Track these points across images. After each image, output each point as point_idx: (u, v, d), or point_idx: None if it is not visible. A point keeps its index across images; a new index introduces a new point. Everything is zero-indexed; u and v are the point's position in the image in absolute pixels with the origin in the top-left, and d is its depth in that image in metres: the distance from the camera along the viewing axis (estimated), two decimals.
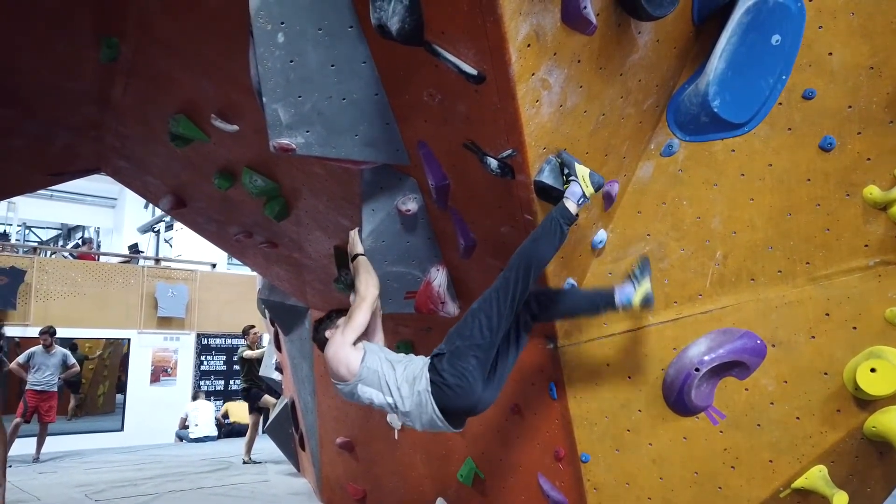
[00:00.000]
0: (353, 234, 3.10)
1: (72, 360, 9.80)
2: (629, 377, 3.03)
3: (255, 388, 9.09)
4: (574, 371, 3.17)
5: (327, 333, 2.93)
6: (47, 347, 9.42)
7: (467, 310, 2.69)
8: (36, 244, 19.54)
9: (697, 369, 2.79)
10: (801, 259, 2.69)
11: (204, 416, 12.38)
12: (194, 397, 13.03)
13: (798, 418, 2.68)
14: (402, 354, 2.91)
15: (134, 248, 16.16)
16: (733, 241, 2.79)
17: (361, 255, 3.03)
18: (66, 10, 3.56)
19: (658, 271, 2.94)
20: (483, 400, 2.69)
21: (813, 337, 2.66)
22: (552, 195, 2.55)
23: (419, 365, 2.72)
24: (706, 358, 2.79)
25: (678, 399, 2.87)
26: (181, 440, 12.37)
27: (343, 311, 3.00)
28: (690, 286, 2.90)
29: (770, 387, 2.74)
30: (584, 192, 2.52)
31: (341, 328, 2.83)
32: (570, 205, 2.52)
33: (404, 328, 4.26)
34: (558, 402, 3.23)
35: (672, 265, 2.92)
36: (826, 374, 2.62)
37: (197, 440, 12.02)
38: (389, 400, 2.71)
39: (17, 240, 18.78)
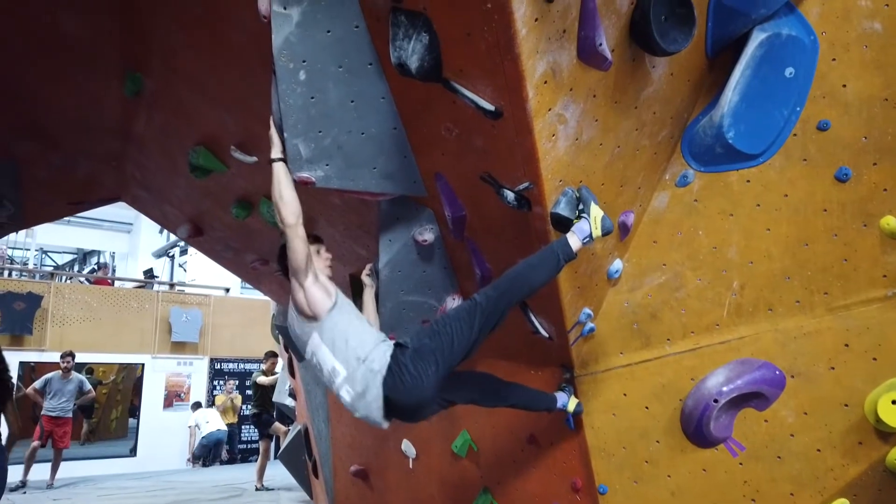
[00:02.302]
0: (272, 131, 2.61)
1: (87, 386, 9.84)
2: (647, 408, 3.02)
3: (265, 414, 9.08)
4: (591, 401, 3.16)
5: None
6: (66, 372, 9.46)
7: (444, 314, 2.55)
8: (52, 269, 19.76)
9: (716, 400, 2.77)
10: (819, 289, 2.68)
11: (212, 416, 12.48)
12: (195, 407, 13.01)
13: (819, 451, 2.65)
14: (373, 329, 2.69)
15: (149, 273, 16.30)
16: (750, 271, 2.80)
17: (279, 159, 2.55)
18: (92, 46, 3.68)
19: (675, 301, 2.94)
20: (426, 409, 2.54)
21: (832, 368, 2.64)
22: (568, 227, 2.57)
23: (382, 348, 2.50)
24: (725, 389, 2.78)
25: (697, 430, 2.85)
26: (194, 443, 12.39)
27: (311, 236, 2.68)
28: (707, 316, 2.89)
29: (790, 418, 2.72)
30: (590, 232, 2.50)
31: (293, 277, 2.53)
32: (574, 241, 2.49)
33: None
34: (575, 433, 3.21)
35: (689, 295, 2.93)
36: (846, 405, 2.60)
37: (210, 436, 12.09)
38: (337, 366, 2.47)
39: (34, 265, 19.00)
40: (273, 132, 2.59)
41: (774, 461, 2.74)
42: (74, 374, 9.67)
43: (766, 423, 2.76)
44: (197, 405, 12.94)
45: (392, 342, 2.54)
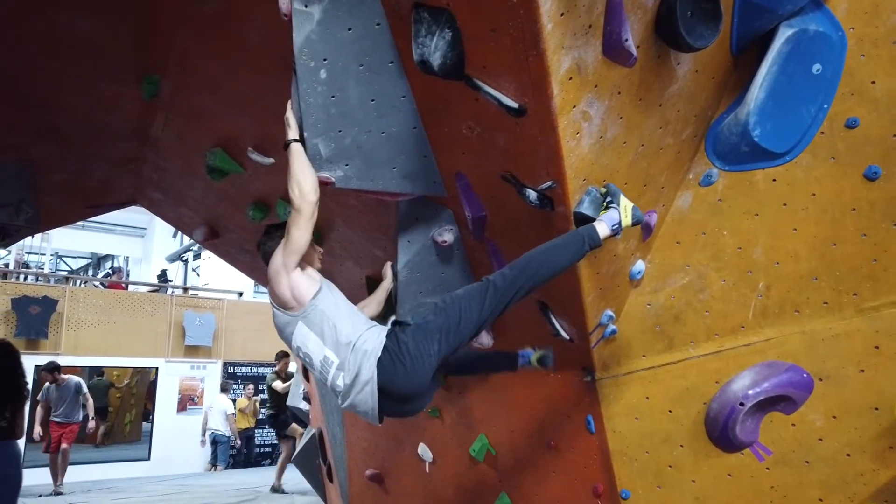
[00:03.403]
0: (288, 112, 2.52)
1: (84, 388, 9.78)
2: (670, 411, 2.97)
3: (282, 415, 9.09)
4: (612, 404, 3.11)
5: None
6: (54, 383, 9.43)
7: (458, 290, 2.39)
8: (67, 274, 19.92)
9: (742, 404, 2.72)
10: (848, 290, 2.62)
11: (219, 407, 12.53)
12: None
13: (848, 455, 2.59)
14: (362, 314, 2.52)
15: (163, 277, 16.38)
16: (776, 272, 2.74)
17: (296, 141, 2.45)
18: (109, 49, 3.68)
19: (698, 302, 2.89)
20: (421, 399, 2.38)
21: (862, 371, 2.58)
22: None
23: (375, 331, 2.37)
24: (751, 392, 2.72)
25: (722, 434, 2.79)
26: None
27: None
28: (732, 318, 2.84)
29: (818, 422, 2.66)
30: (620, 221, 2.42)
31: (280, 250, 2.41)
32: (603, 228, 2.39)
33: None
34: (596, 437, 3.17)
35: (713, 296, 2.87)
36: (877, 409, 2.54)
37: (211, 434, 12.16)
38: (329, 354, 2.32)
39: (49, 269, 19.16)
40: (289, 114, 2.50)
41: (802, 466, 2.68)
42: (70, 379, 9.62)
43: (794, 426, 2.71)
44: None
45: (385, 326, 2.39)
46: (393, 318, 2.37)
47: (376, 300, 3.04)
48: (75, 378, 9.80)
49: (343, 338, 2.32)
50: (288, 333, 2.46)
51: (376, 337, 2.31)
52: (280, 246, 2.43)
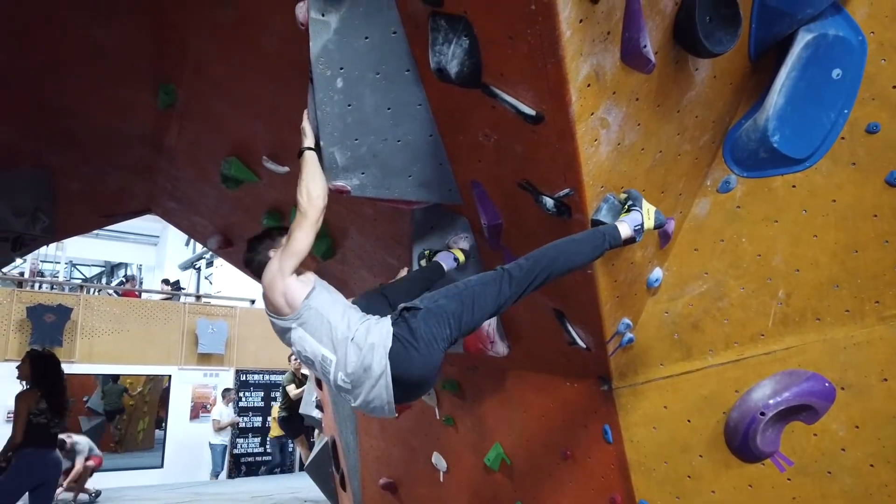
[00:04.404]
0: (304, 122, 2.52)
1: (82, 447, 9.68)
2: (689, 420, 2.93)
3: (293, 416, 9.11)
4: (630, 414, 3.07)
5: (271, 253, 2.49)
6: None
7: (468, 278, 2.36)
8: (81, 282, 20.08)
9: (763, 413, 2.68)
10: (870, 298, 2.58)
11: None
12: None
13: (872, 466, 2.55)
14: (356, 308, 2.44)
15: (176, 286, 16.45)
16: (797, 279, 2.71)
17: (310, 148, 2.45)
18: (125, 57, 3.71)
19: (717, 310, 2.86)
20: (430, 383, 2.33)
21: (885, 380, 2.54)
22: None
23: (372, 321, 2.32)
24: (771, 401, 2.68)
25: (742, 444, 2.75)
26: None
27: (284, 229, 2.57)
28: (752, 326, 2.81)
29: (841, 432, 2.62)
30: (643, 223, 2.39)
31: (278, 254, 2.38)
32: (624, 228, 2.36)
33: (450, 367, 4.21)
34: (614, 447, 3.13)
35: (732, 304, 2.84)
36: None
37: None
38: (326, 353, 2.26)
39: (64, 277, 19.33)
40: (305, 123, 2.50)
41: (824, 476, 2.64)
42: (77, 443, 9.67)
43: (816, 436, 2.66)
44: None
45: (390, 316, 2.32)
46: (401, 306, 2.30)
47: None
48: (82, 441, 9.75)
49: (339, 334, 2.27)
50: (287, 339, 2.42)
51: (380, 328, 2.25)
52: (279, 251, 2.41)
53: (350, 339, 2.24)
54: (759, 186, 2.76)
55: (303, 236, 2.32)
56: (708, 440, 2.88)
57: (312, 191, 2.35)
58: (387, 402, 2.24)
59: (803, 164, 2.66)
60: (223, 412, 12.51)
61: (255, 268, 2.57)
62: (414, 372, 2.21)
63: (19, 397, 5.46)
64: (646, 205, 2.45)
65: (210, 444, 12.40)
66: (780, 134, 2.61)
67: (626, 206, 2.44)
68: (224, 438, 12.46)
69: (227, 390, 12.91)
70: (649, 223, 2.43)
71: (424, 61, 2.30)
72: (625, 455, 3.08)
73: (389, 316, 2.32)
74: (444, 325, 2.21)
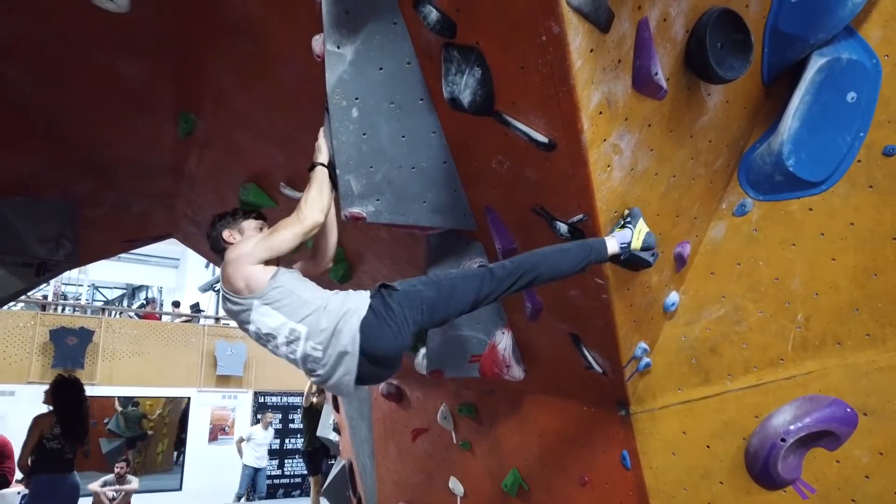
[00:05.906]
0: (320, 139, 2.50)
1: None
2: (708, 446, 2.89)
3: (317, 451, 8.94)
4: (648, 439, 3.04)
5: (225, 234, 2.48)
6: None
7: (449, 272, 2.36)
8: (103, 304, 20.33)
9: (784, 439, 2.64)
10: (891, 322, 2.55)
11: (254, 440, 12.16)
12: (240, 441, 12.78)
13: None
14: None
15: (195, 308, 16.60)
16: (816, 303, 2.68)
17: (322, 165, 2.44)
18: (148, 89, 3.80)
19: (735, 335, 2.83)
20: (395, 367, 2.32)
21: None
22: (622, 259, 2.50)
23: (344, 294, 2.30)
24: (792, 427, 2.64)
25: (763, 471, 2.71)
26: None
27: (254, 213, 2.58)
28: (771, 350, 2.77)
29: (864, 459, 2.57)
30: (630, 242, 2.38)
31: (254, 238, 2.35)
32: (612, 244, 2.36)
33: (466, 391, 4.20)
34: (632, 473, 3.09)
35: (750, 328, 2.81)
36: None
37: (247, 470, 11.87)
38: (295, 325, 2.22)
39: (86, 300, 19.59)
40: (321, 140, 2.49)
41: None
42: None
43: (838, 463, 2.62)
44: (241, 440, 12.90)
45: (367, 291, 2.30)
46: (379, 283, 2.29)
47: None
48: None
49: (310, 306, 2.24)
50: (243, 318, 2.33)
51: (358, 296, 2.26)
52: (256, 236, 2.38)
53: (323, 308, 2.23)
54: (776, 210, 2.75)
55: (288, 238, 2.29)
56: (728, 467, 2.84)
57: (315, 203, 2.34)
58: (352, 372, 2.21)
59: (820, 187, 2.64)
60: (263, 435, 12.02)
61: (211, 243, 2.58)
62: (382, 345, 2.20)
63: (35, 420, 5.55)
64: (641, 225, 2.42)
65: (250, 468, 11.96)
66: (796, 157, 2.61)
67: (623, 222, 2.44)
68: (260, 461, 12.09)
69: (263, 411, 12.71)
70: (636, 244, 2.39)
71: (438, 91, 2.34)
72: (643, 481, 3.04)
73: (368, 291, 2.31)
74: (417, 311, 2.21)
